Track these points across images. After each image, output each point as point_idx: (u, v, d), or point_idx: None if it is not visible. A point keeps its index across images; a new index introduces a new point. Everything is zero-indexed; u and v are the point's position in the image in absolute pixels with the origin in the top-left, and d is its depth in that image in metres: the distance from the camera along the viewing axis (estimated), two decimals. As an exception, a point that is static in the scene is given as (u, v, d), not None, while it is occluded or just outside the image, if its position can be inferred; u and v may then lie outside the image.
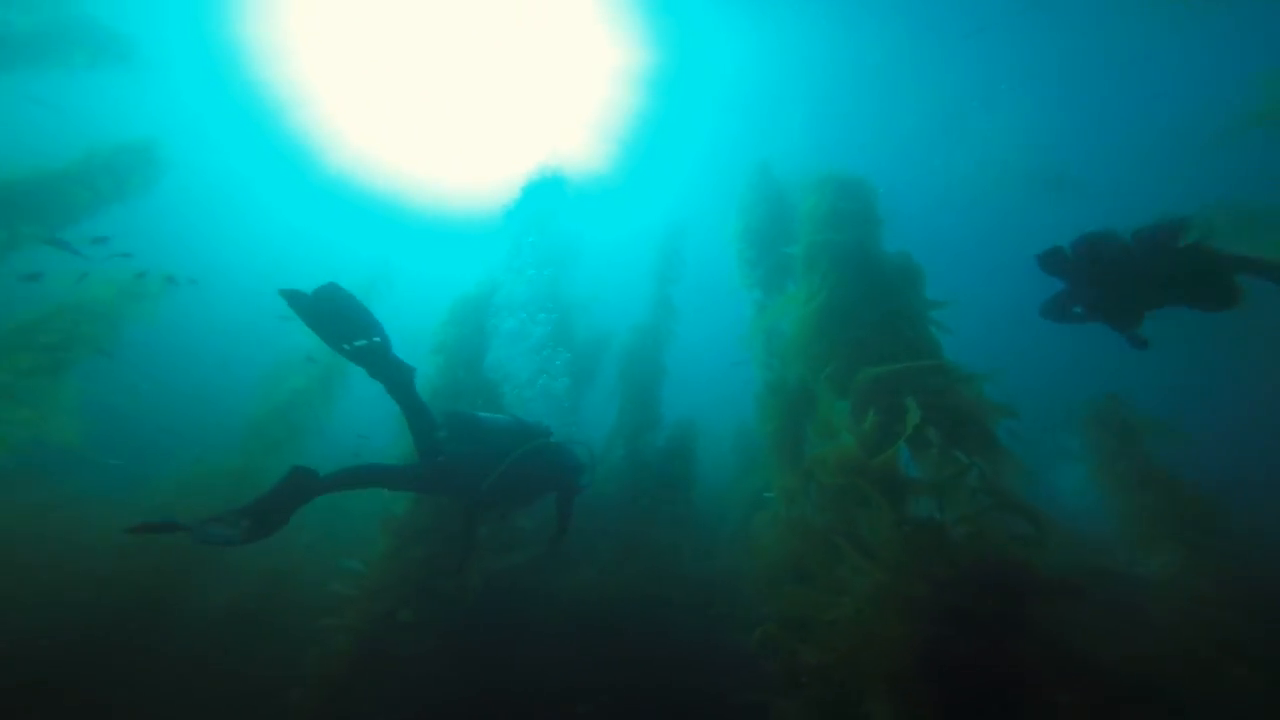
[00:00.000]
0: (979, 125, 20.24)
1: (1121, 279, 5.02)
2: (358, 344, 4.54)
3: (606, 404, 10.76)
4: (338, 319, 4.46)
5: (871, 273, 7.04)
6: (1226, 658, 6.01)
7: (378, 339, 4.64)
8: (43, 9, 8.49)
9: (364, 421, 9.06)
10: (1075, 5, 16.22)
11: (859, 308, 6.78)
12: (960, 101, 19.49)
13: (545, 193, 13.00)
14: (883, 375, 5.25)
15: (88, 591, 6.71)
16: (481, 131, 21.03)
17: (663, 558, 8.34)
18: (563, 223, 12.74)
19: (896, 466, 4.60)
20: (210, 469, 7.98)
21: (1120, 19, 16.21)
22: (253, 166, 22.93)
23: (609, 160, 21.25)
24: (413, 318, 10.90)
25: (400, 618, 6.42)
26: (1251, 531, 7.60)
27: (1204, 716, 5.28)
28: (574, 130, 20.01)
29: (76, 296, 7.32)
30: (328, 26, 17.18)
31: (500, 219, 12.15)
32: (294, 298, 4.32)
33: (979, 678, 3.19)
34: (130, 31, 9.51)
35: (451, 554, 6.51)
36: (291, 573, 7.80)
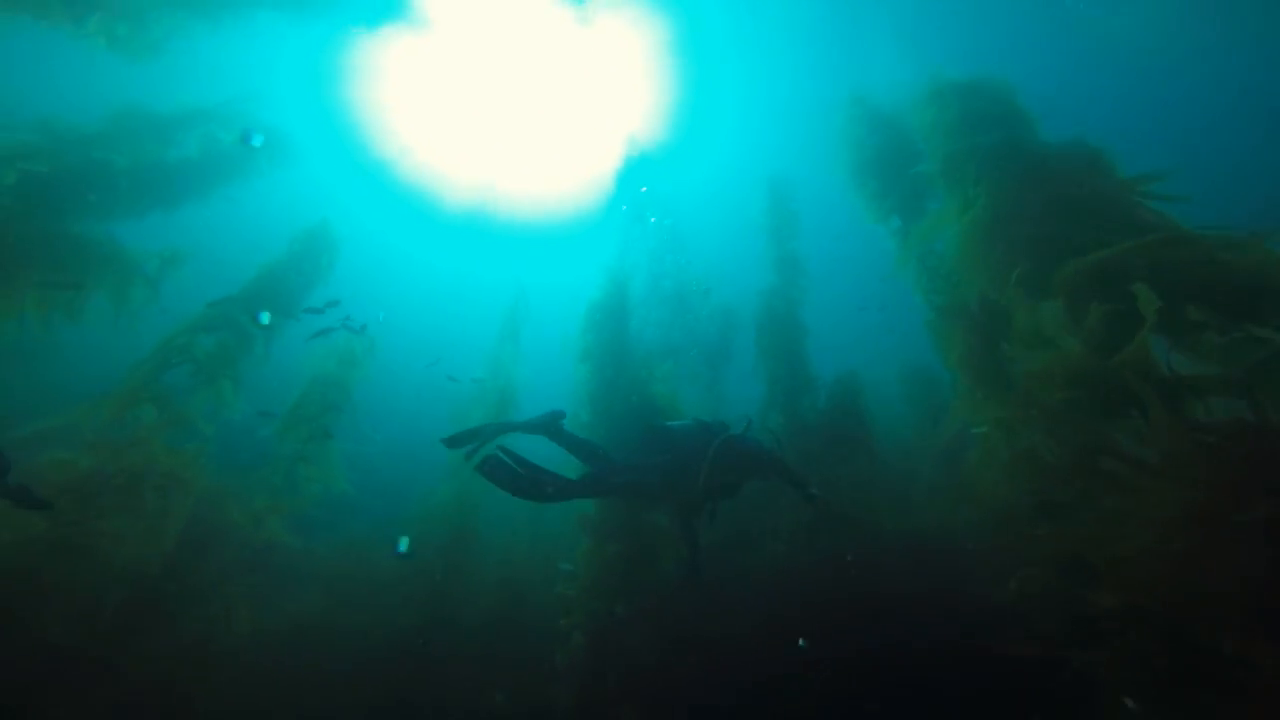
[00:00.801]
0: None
1: None
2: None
3: (751, 380, 10.39)
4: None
5: (1037, 166, 6.21)
6: None
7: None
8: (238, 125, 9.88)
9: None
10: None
11: (1031, 204, 5.94)
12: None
13: (639, 173, 12.89)
14: (1102, 260, 4.41)
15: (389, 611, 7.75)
16: (557, 132, 21.36)
17: (855, 522, 7.84)
18: (665, 198, 12.57)
19: (1152, 360, 3.82)
20: (441, 496, 8.91)
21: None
22: (390, 226, 25.00)
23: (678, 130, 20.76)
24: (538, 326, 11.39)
25: (616, 612, 6.61)
26: None
27: None
28: (639, 111, 19.72)
29: (316, 370, 8.82)
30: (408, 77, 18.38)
31: (600, 215, 12.18)
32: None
33: None
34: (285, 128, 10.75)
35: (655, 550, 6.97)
36: (520, 579, 8.40)
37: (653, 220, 12.45)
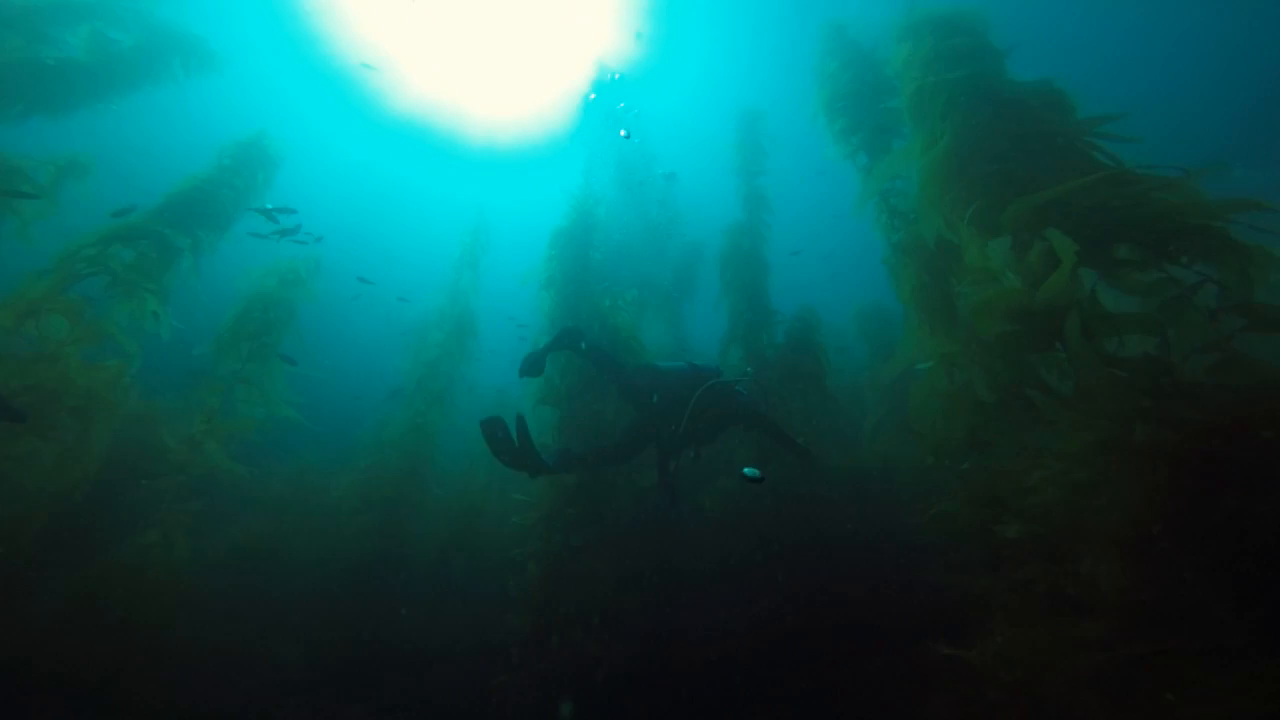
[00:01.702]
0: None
1: None
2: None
3: (713, 314, 10.41)
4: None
5: (1001, 104, 6.11)
6: None
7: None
8: (138, 26, 9.02)
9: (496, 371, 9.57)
10: None
11: (993, 141, 5.88)
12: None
13: (610, 93, 12.33)
14: (1048, 199, 4.41)
15: (343, 540, 7.76)
16: (523, 53, 20.20)
17: (803, 456, 8.11)
18: (633, 125, 12.09)
19: (1082, 296, 3.90)
20: (396, 426, 8.78)
21: None
22: (337, 132, 23.62)
23: (650, 57, 19.80)
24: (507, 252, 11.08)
25: (572, 542, 6.78)
26: None
27: None
28: (610, 34, 18.68)
29: (253, 287, 8.31)
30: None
31: (567, 138, 11.70)
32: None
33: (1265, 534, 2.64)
34: (208, 33, 9.90)
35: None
36: (480, 510, 8.51)
37: (623, 134, 11.97)
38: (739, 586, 7.30)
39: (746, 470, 6.96)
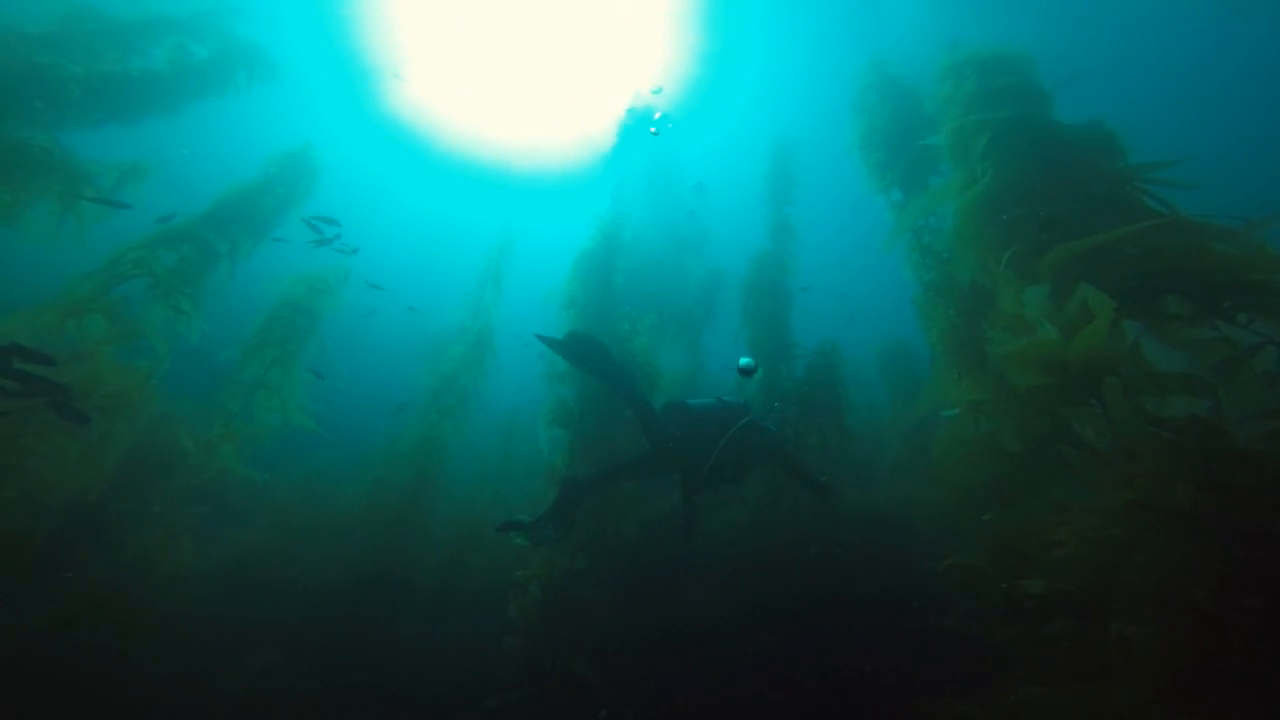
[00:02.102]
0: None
1: None
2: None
3: (732, 341, 10.30)
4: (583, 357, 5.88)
5: (1046, 145, 5.99)
6: None
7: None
8: (216, 40, 9.35)
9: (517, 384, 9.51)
10: None
11: (1035, 184, 5.75)
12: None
13: (643, 124, 12.43)
14: (1092, 246, 4.26)
15: (346, 551, 7.69)
16: (563, 83, 20.62)
17: (822, 492, 7.90)
18: (666, 151, 12.15)
19: (1121, 352, 3.73)
20: (407, 439, 8.77)
21: None
22: (381, 163, 24.28)
23: (695, 87, 20.07)
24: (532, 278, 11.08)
25: (576, 565, 6.62)
26: None
27: None
28: (654, 64, 19.04)
29: (284, 294, 8.43)
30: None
31: (601, 166, 11.77)
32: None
33: None
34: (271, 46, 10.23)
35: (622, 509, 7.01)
36: (486, 526, 8.39)
37: (653, 131, 11.99)
38: (744, 624, 7.07)
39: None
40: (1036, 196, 5.53)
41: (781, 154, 12.08)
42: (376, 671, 6.04)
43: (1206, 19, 17.34)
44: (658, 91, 13.18)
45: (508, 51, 20.05)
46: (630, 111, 13.31)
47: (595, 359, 5.87)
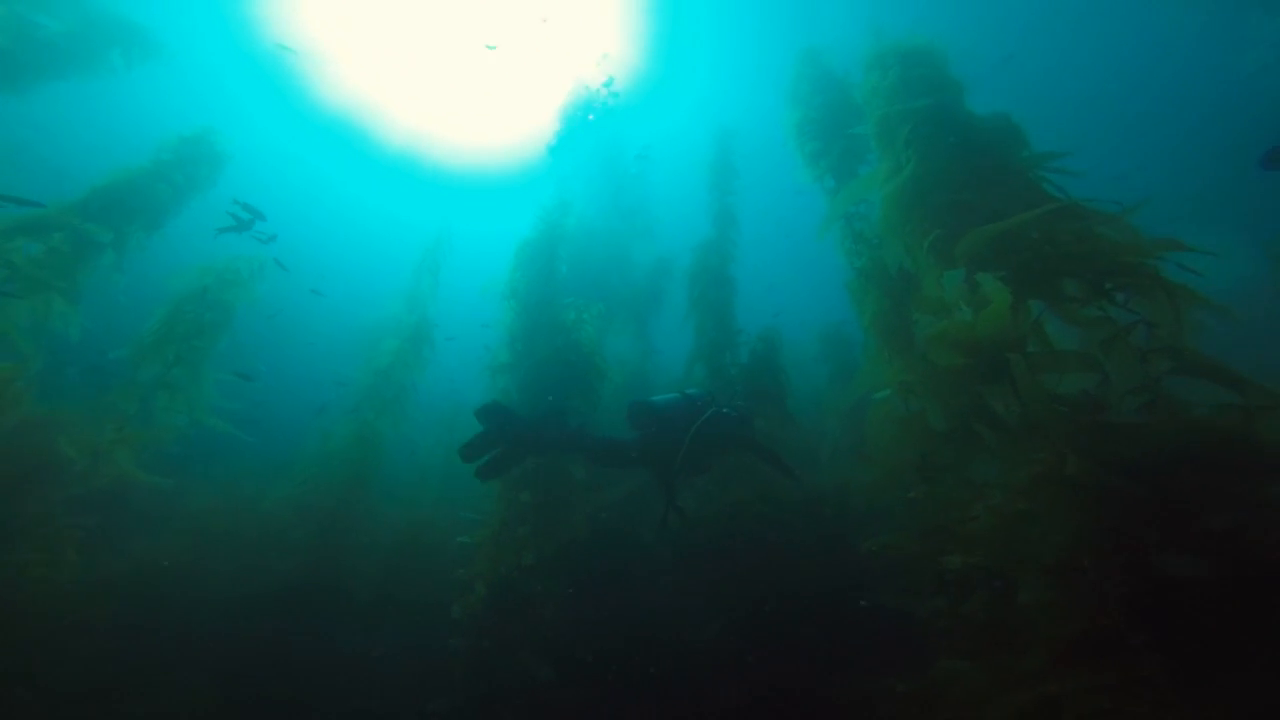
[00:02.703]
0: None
1: None
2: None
3: (680, 330, 10.38)
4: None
5: (961, 134, 6.26)
6: None
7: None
8: (69, 12, 8.63)
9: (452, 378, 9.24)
10: None
11: (956, 172, 5.99)
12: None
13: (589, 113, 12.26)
14: (1000, 231, 4.47)
15: (273, 558, 7.29)
16: (509, 80, 20.21)
17: (764, 477, 8.07)
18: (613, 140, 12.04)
19: (1022, 334, 3.94)
20: (340, 437, 8.38)
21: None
22: (293, 144, 23.22)
23: (643, 77, 19.95)
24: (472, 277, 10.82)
25: (524, 561, 6.57)
26: None
27: None
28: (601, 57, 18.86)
29: (186, 287, 7.78)
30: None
31: (545, 161, 11.56)
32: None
33: (1194, 568, 2.64)
34: (158, 26, 9.52)
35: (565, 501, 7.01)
36: (429, 525, 8.21)
37: (590, 118, 11.88)
38: (694, 606, 7.20)
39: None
40: (953, 184, 5.76)
41: (723, 143, 12.19)
42: (308, 685, 5.83)
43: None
44: (609, 84, 13.03)
45: (448, 45, 19.50)
46: (576, 99, 13.12)
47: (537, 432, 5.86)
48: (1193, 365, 3.23)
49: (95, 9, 8.92)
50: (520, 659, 5.71)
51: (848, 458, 8.09)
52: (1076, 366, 3.55)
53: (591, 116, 12.30)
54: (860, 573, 6.00)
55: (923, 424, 5.38)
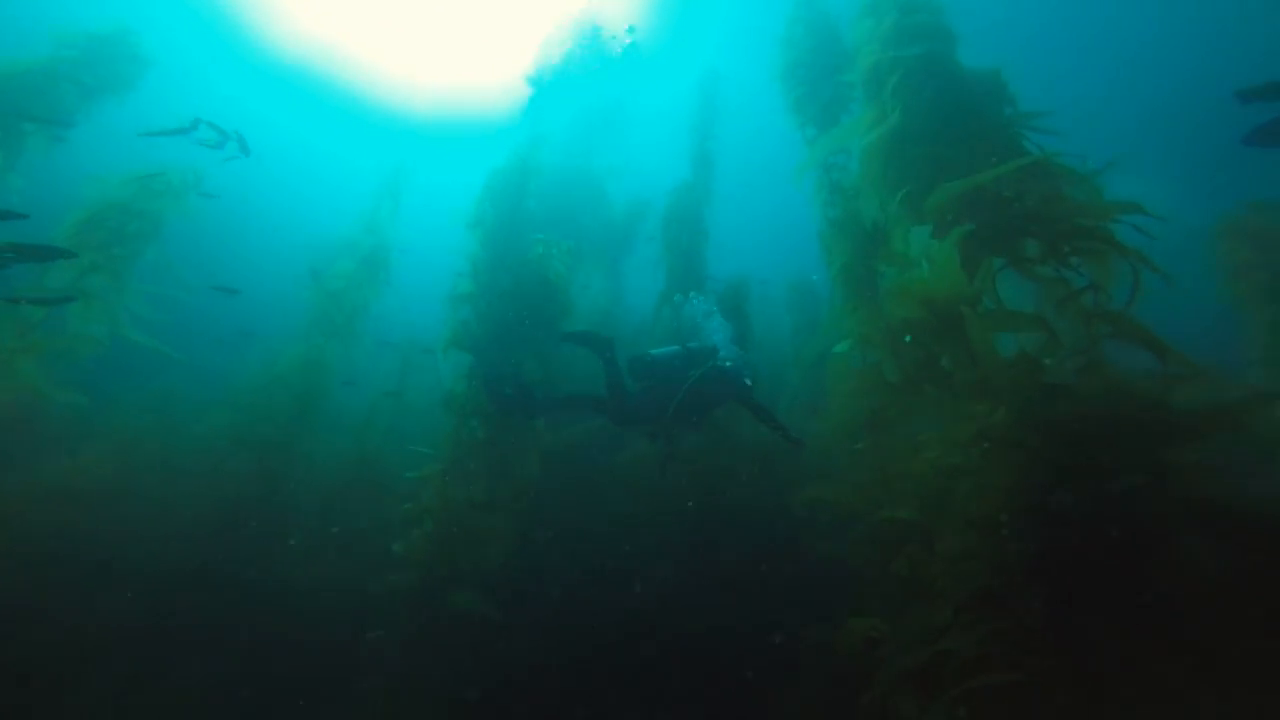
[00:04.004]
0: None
1: None
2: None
3: (654, 272, 10.20)
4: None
5: (950, 87, 6.03)
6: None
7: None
8: None
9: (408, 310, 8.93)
10: None
11: (937, 125, 5.81)
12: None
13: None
14: (969, 187, 4.37)
15: (208, 485, 7.07)
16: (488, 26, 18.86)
17: (717, 426, 8.12)
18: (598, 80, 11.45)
19: (977, 291, 3.92)
20: (286, 361, 7.97)
21: None
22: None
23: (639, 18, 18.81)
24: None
25: (474, 498, 6.54)
26: None
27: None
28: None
29: (108, 196, 7.11)
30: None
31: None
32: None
33: (1092, 524, 2.73)
34: None
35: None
36: (378, 458, 8.07)
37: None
38: (645, 549, 7.35)
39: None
40: (935, 137, 5.60)
41: (708, 86, 11.74)
42: (235, 613, 5.79)
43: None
44: (631, 30, 12.24)
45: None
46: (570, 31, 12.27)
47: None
48: (1127, 331, 3.27)
49: None
50: (464, 595, 5.76)
51: (807, 409, 8.17)
52: (1027, 326, 3.54)
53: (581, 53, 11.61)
54: (808, 523, 6.14)
55: (878, 376, 5.43)
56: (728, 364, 6.22)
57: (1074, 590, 2.56)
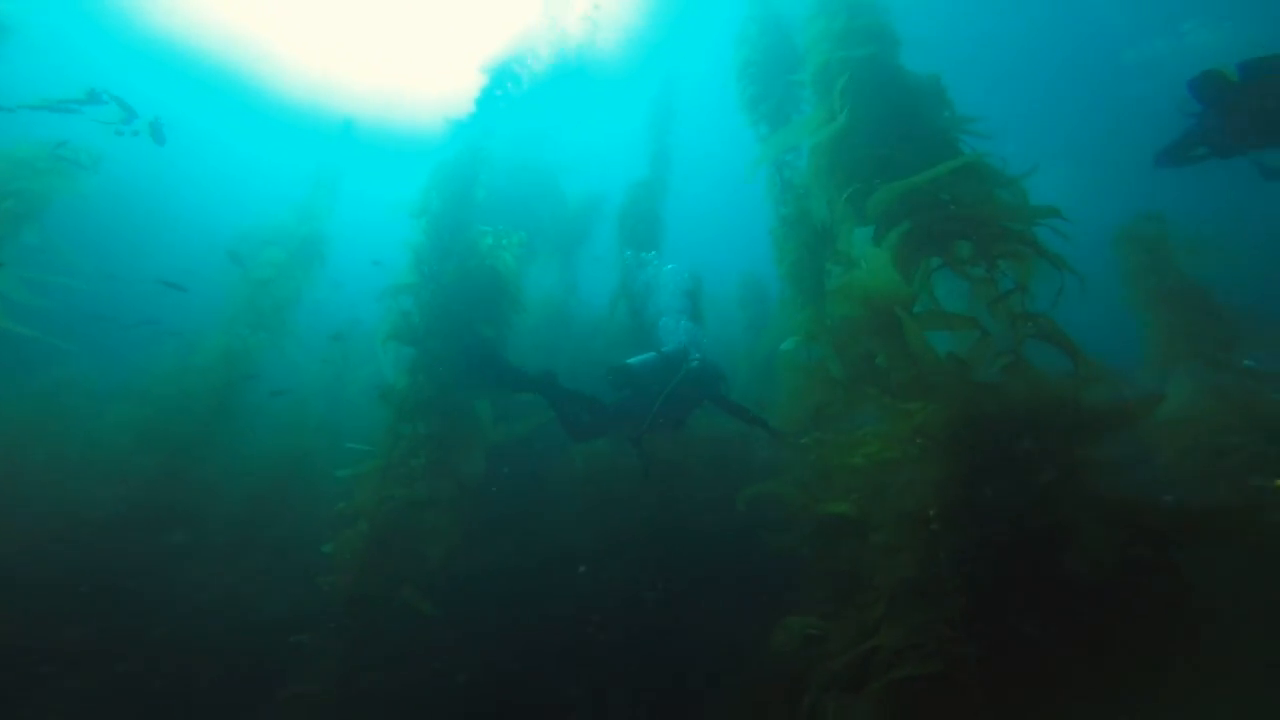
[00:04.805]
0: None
1: None
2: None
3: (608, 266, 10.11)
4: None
5: (894, 89, 6.18)
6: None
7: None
8: None
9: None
10: None
11: (882, 126, 5.92)
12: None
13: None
14: (909, 188, 4.45)
15: (109, 485, 6.59)
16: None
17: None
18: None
19: (913, 291, 4.00)
20: (207, 352, 7.46)
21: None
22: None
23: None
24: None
25: (415, 495, 6.31)
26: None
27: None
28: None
29: None
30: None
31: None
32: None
33: (1010, 519, 2.80)
34: None
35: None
36: (309, 455, 7.72)
37: None
38: (594, 547, 7.26)
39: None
40: (880, 138, 5.70)
41: (667, 84, 11.77)
42: (149, 614, 5.42)
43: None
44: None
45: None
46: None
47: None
48: (1047, 333, 3.40)
49: None
50: (402, 595, 5.54)
51: (757, 406, 8.24)
52: (960, 325, 3.62)
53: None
54: (759, 518, 6.16)
55: (823, 373, 5.50)
56: (700, 365, 6.34)
57: (994, 582, 2.62)
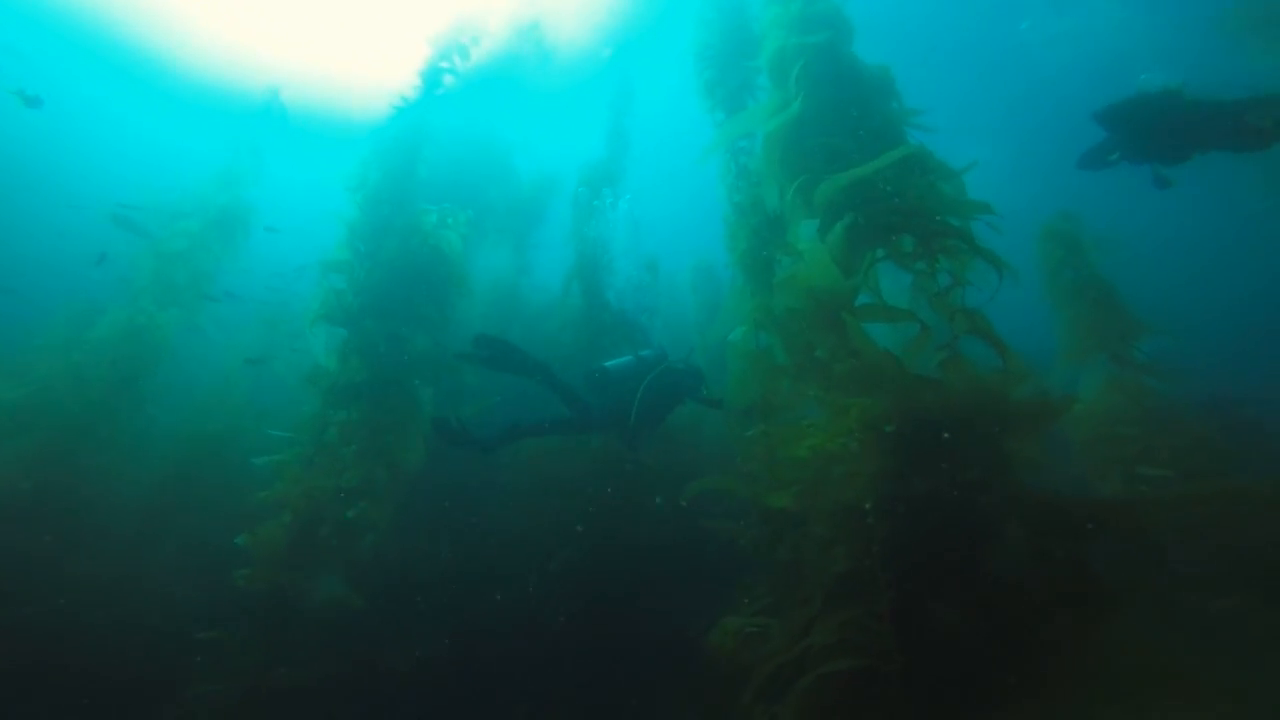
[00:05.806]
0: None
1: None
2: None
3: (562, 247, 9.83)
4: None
5: (846, 78, 6.13)
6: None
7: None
8: None
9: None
10: None
11: (833, 115, 5.87)
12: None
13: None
14: (854, 181, 4.40)
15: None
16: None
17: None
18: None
19: (854, 283, 3.97)
20: (107, 325, 6.82)
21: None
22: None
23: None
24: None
25: (345, 483, 5.96)
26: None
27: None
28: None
29: None
30: None
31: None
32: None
33: (940, 513, 2.79)
34: None
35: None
36: (228, 439, 7.24)
37: None
38: (537, 539, 7.07)
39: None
40: (831, 127, 5.65)
41: (623, 61, 11.47)
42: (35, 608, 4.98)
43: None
44: None
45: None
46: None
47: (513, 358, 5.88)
48: (980, 329, 3.41)
49: None
50: (327, 589, 5.24)
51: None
52: (900, 319, 3.59)
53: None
54: (709, 511, 6.10)
55: (769, 361, 5.47)
56: (679, 365, 6.42)
57: (922, 576, 2.60)
